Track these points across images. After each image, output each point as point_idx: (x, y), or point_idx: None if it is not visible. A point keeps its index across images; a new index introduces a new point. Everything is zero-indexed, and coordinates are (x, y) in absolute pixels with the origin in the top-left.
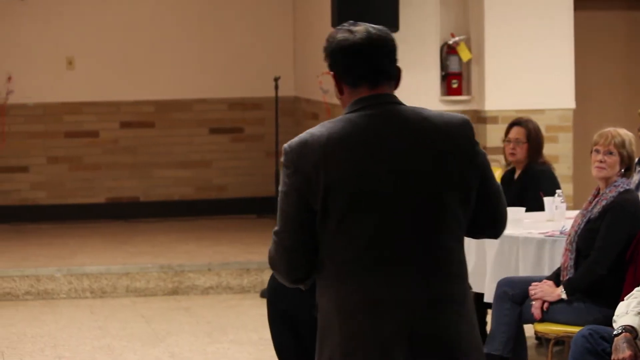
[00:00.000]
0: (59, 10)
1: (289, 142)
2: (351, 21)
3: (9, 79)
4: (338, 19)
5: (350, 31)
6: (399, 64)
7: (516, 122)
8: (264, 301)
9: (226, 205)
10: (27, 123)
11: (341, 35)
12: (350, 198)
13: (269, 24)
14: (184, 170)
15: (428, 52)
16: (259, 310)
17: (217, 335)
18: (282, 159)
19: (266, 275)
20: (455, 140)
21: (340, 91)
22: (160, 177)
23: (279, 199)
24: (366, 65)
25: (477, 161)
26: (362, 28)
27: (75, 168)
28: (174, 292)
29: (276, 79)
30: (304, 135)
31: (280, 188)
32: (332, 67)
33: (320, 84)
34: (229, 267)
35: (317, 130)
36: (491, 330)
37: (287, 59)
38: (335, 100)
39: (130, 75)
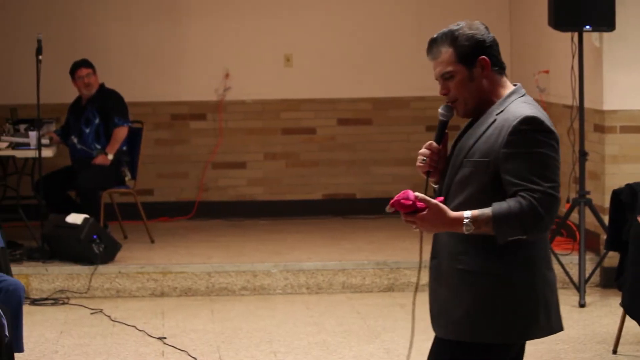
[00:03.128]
0: (277, 7)
1: (537, 115)
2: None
3: (227, 75)
4: (555, 18)
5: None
6: (619, 63)
7: None
8: None
9: None
10: (245, 119)
11: (486, 31)
12: None
13: (485, 23)
14: (400, 167)
15: None
16: None
17: (432, 332)
18: (530, 127)
19: None
20: None
21: (487, 76)
22: (377, 174)
23: (546, 157)
24: (501, 58)
25: None
26: None
27: (292, 164)
28: (390, 288)
29: None
30: (539, 112)
31: (542, 150)
32: (489, 54)
33: (536, 82)
34: None
35: (536, 108)
36: None
37: (504, 58)
38: (551, 98)
39: (348, 72)
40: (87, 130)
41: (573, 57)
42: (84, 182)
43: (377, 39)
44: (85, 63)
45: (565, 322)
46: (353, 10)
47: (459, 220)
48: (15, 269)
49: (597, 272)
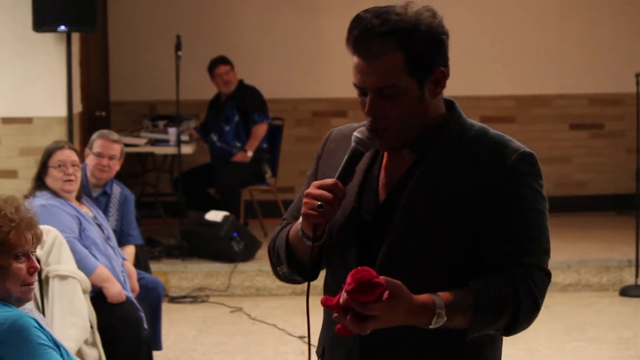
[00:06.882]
0: (421, 2)
1: (532, 151)
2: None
3: None
4: None
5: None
6: None
7: None
8: (623, 300)
9: (586, 202)
10: None
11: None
12: None
13: (631, 18)
14: (543, 166)
15: None
16: (618, 309)
17: (575, 334)
18: (532, 170)
19: (626, 273)
20: None
21: (437, 95)
22: None
23: (543, 217)
24: None
25: None
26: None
27: None
28: None
29: (637, 75)
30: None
31: (539, 205)
32: (447, 62)
33: None
34: (588, 264)
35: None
36: None
37: None
38: None
39: (491, 69)
40: (227, 128)
41: None
42: (224, 179)
43: (520, 35)
44: (223, 60)
45: None
46: (495, 7)
47: (429, 307)
48: (154, 266)
49: None
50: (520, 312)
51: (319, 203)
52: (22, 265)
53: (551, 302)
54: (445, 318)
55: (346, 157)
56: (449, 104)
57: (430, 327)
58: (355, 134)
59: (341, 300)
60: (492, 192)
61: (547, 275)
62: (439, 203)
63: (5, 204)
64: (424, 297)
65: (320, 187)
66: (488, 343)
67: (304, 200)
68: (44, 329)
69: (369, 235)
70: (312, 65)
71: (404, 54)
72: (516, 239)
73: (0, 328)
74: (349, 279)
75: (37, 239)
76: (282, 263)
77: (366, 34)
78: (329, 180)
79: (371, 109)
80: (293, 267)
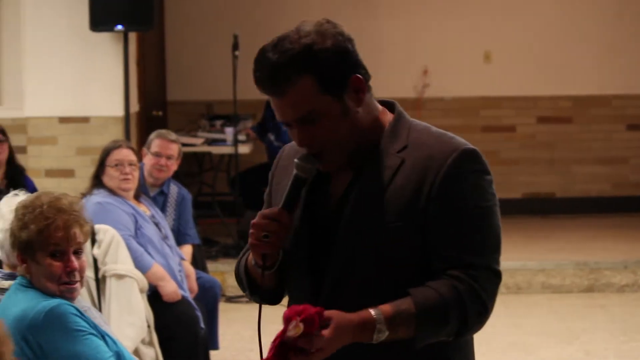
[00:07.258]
0: (477, 3)
1: (475, 148)
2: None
3: (425, 72)
4: None
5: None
6: None
7: None
8: None
9: None
10: (444, 117)
11: (338, 26)
12: None
13: None
14: (601, 166)
15: None
16: None
17: (633, 334)
18: (473, 167)
19: None
20: None
21: (362, 101)
22: (577, 173)
23: (491, 214)
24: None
25: None
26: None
27: (492, 162)
28: (590, 289)
29: None
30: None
31: (485, 203)
32: (359, 66)
33: None
34: None
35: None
36: None
37: None
38: None
39: (548, 69)
40: (284, 128)
41: None
42: None
43: (576, 35)
44: None
45: None
46: (553, 5)
47: (369, 323)
48: (211, 266)
49: None
50: (468, 317)
51: (265, 233)
52: (57, 263)
53: (608, 303)
54: (388, 332)
55: (289, 184)
56: (390, 106)
57: (373, 342)
58: (296, 160)
59: (291, 333)
60: (434, 193)
61: (496, 275)
62: (381, 215)
63: (49, 202)
64: (363, 314)
65: (265, 217)
66: (453, 347)
67: (251, 230)
68: (85, 317)
69: (321, 258)
70: (369, 65)
71: (312, 76)
72: (460, 241)
73: (38, 316)
74: (292, 316)
75: (79, 238)
76: (246, 290)
77: (267, 72)
78: (274, 210)
79: (301, 140)
80: (256, 294)
